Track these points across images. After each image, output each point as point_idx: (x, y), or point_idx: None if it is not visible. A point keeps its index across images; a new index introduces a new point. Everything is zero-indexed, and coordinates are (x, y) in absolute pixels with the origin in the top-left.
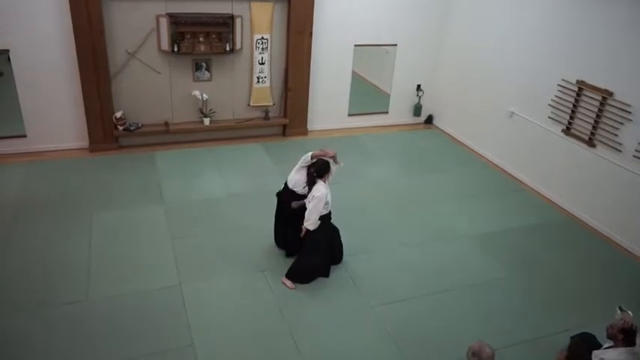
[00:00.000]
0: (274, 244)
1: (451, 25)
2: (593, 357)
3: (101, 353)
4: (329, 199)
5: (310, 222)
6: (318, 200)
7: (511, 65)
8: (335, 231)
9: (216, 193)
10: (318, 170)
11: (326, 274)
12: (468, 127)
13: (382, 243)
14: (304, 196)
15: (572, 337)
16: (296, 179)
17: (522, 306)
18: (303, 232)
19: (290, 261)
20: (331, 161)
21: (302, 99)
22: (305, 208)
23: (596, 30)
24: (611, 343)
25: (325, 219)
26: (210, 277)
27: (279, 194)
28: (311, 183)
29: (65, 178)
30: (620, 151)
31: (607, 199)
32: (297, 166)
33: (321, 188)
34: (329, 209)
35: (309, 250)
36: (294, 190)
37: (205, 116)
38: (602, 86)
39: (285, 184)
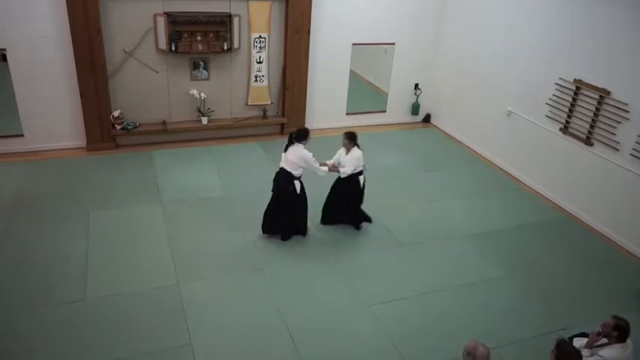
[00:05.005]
0: (264, 234)
1: (449, 25)
2: (588, 355)
3: (99, 353)
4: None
5: (324, 169)
6: (309, 160)
7: (509, 64)
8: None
9: (213, 192)
10: (297, 134)
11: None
12: (466, 126)
13: (379, 242)
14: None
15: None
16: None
17: (520, 305)
18: (341, 174)
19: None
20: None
21: (300, 98)
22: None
23: (593, 29)
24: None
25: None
26: (208, 276)
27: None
28: (289, 145)
29: (62, 178)
30: (617, 149)
31: (604, 197)
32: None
33: (303, 152)
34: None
35: (303, 206)
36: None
37: (203, 115)
38: (600, 85)
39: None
